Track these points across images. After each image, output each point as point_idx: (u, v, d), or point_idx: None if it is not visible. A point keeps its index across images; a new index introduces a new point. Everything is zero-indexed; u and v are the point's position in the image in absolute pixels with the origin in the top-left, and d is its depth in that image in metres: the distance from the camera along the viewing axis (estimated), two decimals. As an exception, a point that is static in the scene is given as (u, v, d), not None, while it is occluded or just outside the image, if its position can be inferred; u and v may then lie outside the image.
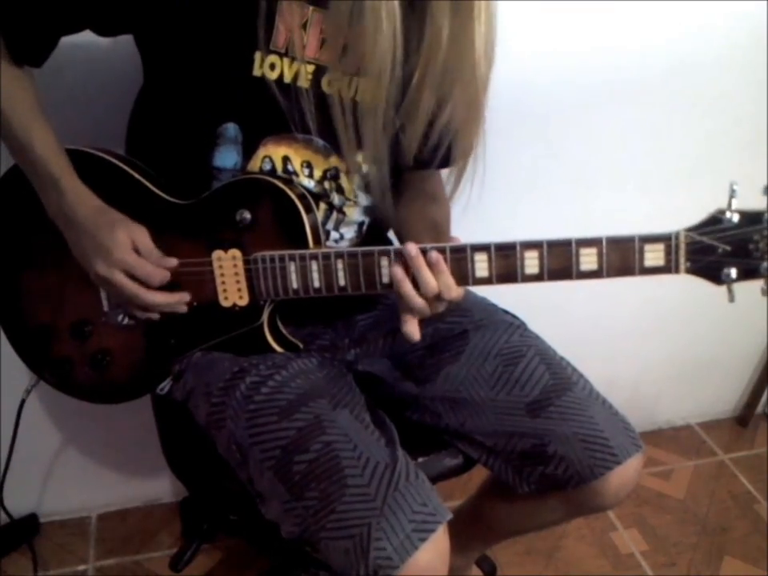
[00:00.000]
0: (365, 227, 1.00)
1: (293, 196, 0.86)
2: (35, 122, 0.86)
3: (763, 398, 1.93)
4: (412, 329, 0.84)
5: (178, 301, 0.90)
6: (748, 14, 1.33)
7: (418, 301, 0.81)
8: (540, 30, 1.21)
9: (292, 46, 0.82)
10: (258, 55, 0.82)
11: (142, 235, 0.87)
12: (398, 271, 0.81)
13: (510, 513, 1.10)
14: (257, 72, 0.83)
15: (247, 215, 0.87)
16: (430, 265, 0.80)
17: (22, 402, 1.13)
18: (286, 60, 0.83)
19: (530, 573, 1.50)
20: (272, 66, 0.83)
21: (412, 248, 0.80)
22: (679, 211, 0.79)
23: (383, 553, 0.77)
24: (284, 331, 0.95)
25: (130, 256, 0.85)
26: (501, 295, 1.01)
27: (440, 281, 0.80)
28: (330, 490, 0.81)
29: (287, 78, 0.84)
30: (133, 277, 0.86)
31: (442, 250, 0.80)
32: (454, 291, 0.81)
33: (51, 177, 0.85)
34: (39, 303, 0.98)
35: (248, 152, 0.89)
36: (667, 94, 1.39)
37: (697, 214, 0.75)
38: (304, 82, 0.84)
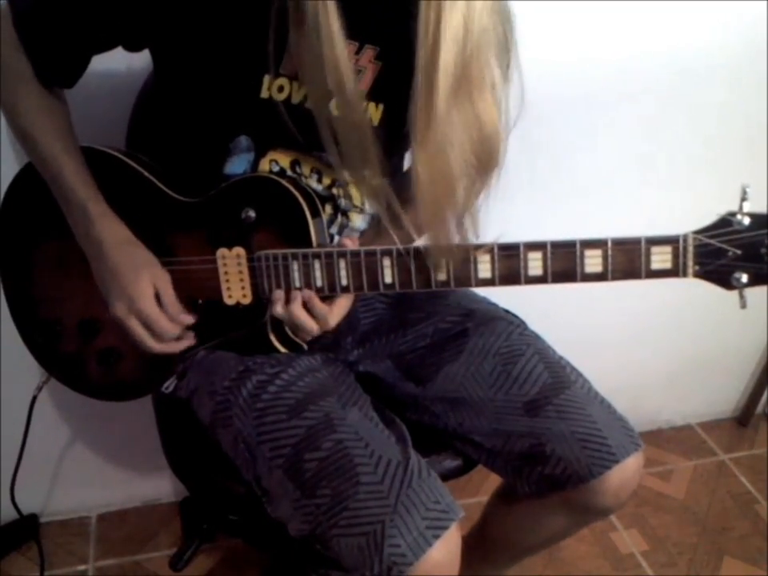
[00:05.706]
0: None
1: (298, 196, 0.85)
2: (63, 148, 0.86)
3: (763, 398, 1.94)
4: None
5: (181, 350, 0.91)
6: (748, 21, 1.33)
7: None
8: (541, 34, 1.20)
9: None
10: (266, 78, 0.81)
11: (165, 284, 0.88)
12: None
13: (513, 521, 1.09)
14: (264, 94, 0.82)
15: (252, 214, 0.86)
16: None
17: (34, 398, 1.14)
18: (294, 83, 0.83)
19: (530, 573, 1.49)
20: (280, 89, 0.83)
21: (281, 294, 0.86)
22: (680, 216, 0.79)
23: (397, 550, 0.77)
24: (288, 331, 0.95)
25: (150, 309, 0.86)
26: (501, 295, 1.00)
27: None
28: (342, 487, 0.81)
29: (295, 100, 0.84)
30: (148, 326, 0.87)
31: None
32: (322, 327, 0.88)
33: (78, 202, 0.86)
34: (51, 300, 0.98)
35: (258, 159, 0.89)
36: (669, 99, 1.39)
37: (699, 220, 0.75)
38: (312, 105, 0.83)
